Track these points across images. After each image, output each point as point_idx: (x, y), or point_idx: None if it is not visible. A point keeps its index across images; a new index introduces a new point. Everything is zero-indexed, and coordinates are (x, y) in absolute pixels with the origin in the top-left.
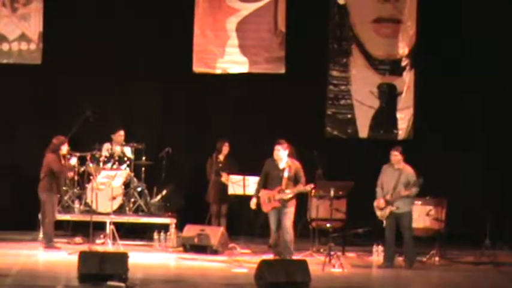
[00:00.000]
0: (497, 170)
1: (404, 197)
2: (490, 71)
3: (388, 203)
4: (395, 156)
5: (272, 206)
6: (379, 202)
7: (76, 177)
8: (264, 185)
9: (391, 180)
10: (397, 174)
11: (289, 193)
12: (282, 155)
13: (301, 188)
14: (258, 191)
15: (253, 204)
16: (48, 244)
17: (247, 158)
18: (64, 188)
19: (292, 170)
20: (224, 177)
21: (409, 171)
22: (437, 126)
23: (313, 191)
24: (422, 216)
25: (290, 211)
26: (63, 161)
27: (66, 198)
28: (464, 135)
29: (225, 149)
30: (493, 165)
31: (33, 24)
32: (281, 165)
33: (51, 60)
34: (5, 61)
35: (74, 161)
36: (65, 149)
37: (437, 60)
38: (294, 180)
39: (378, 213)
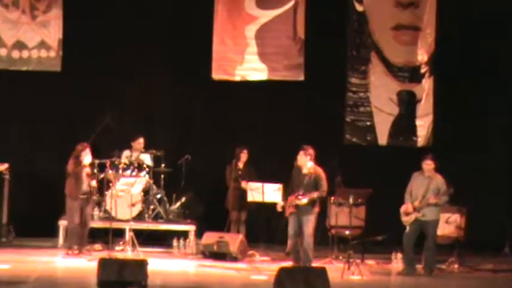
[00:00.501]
0: None
1: (432, 205)
2: (509, 76)
3: (415, 209)
4: (428, 165)
5: (289, 211)
6: (407, 207)
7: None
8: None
9: (421, 187)
10: (427, 182)
11: (302, 199)
12: (302, 161)
13: (313, 195)
14: (284, 196)
15: (279, 206)
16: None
17: (266, 165)
18: (83, 194)
19: (312, 177)
20: (243, 184)
21: (439, 179)
22: (456, 133)
23: (333, 198)
24: (442, 223)
25: (310, 219)
26: (88, 169)
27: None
28: (484, 142)
29: (244, 156)
30: None
31: (53, 32)
32: (304, 171)
33: (70, 67)
34: (24, 68)
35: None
36: (86, 155)
37: (456, 66)
38: (314, 186)
39: (404, 218)
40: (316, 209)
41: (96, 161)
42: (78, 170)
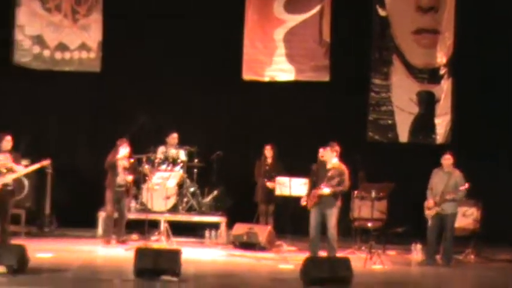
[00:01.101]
0: None
1: (450, 200)
2: None
3: (436, 204)
4: (447, 159)
5: (312, 202)
6: (428, 202)
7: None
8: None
9: (441, 182)
10: (446, 177)
11: (324, 189)
12: (327, 156)
13: (337, 188)
14: (309, 189)
15: (303, 200)
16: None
17: (293, 160)
18: (118, 187)
19: (336, 172)
20: (270, 184)
21: (457, 174)
22: (473, 131)
23: (356, 192)
24: (459, 216)
25: (333, 212)
26: (126, 162)
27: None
28: (500, 139)
29: (268, 151)
30: None
31: (93, 34)
32: (328, 166)
33: (109, 67)
34: (66, 69)
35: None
36: (123, 149)
37: (473, 68)
38: (338, 181)
39: (426, 212)
40: (338, 203)
41: (134, 156)
42: (114, 164)
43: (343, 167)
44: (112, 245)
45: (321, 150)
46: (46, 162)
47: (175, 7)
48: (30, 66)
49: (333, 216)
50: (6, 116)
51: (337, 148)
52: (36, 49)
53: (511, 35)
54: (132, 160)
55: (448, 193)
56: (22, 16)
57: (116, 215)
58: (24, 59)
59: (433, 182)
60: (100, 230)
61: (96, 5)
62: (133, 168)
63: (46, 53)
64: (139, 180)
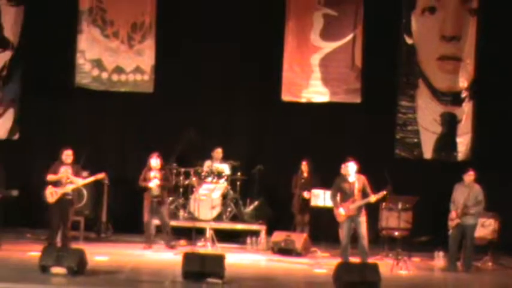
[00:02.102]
0: None
1: (471, 210)
2: None
3: (457, 215)
4: (470, 175)
5: (348, 215)
6: (451, 214)
7: (181, 189)
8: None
9: (462, 196)
10: (467, 191)
11: (360, 202)
12: (351, 170)
13: (372, 198)
14: (337, 202)
15: (339, 217)
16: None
17: (327, 175)
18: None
19: (361, 183)
20: (305, 194)
21: (477, 188)
22: (492, 149)
23: (384, 204)
24: (478, 227)
25: (363, 220)
26: (158, 174)
27: (172, 207)
28: None
29: (304, 166)
30: None
31: (147, 58)
32: (350, 179)
33: (161, 89)
34: (122, 89)
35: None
36: (153, 161)
37: (492, 92)
38: (362, 191)
39: (449, 223)
40: (365, 211)
41: (182, 169)
42: (147, 176)
43: (363, 177)
44: (153, 249)
45: (343, 165)
46: (101, 176)
47: (221, 34)
48: (90, 87)
49: (363, 224)
50: (69, 132)
51: (354, 162)
52: (96, 72)
53: None
54: (163, 171)
55: (469, 207)
56: (83, 42)
57: (158, 222)
58: (85, 81)
59: (455, 196)
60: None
61: (150, 32)
62: (165, 179)
63: (104, 75)
64: (171, 189)
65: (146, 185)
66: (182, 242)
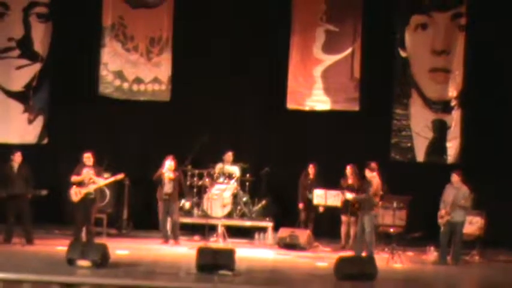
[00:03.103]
0: None
1: (460, 208)
2: None
3: (447, 213)
4: (454, 177)
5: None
6: (441, 212)
7: (195, 189)
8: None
9: (450, 196)
10: (455, 191)
11: (347, 194)
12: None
13: (361, 196)
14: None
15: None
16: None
17: (329, 176)
18: (166, 194)
19: (365, 184)
20: (310, 196)
21: (465, 189)
22: (479, 152)
23: (380, 203)
24: (466, 224)
25: (368, 219)
26: (172, 175)
27: (187, 205)
28: (500, 159)
29: (311, 169)
30: None
31: (164, 70)
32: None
33: (177, 98)
34: (141, 98)
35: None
36: (167, 163)
37: (479, 101)
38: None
39: (439, 220)
40: (373, 212)
41: (196, 171)
42: (160, 178)
43: (374, 181)
44: (169, 244)
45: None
46: (120, 176)
47: (231, 49)
48: (112, 96)
49: (368, 222)
50: (93, 137)
51: (374, 166)
52: (117, 82)
53: (510, 76)
54: (177, 173)
55: (457, 206)
56: (106, 55)
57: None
58: (107, 90)
59: (445, 195)
60: (169, 232)
61: (167, 47)
62: (178, 180)
63: (125, 85)
64: (185, 190)
65: (160, 172)
66: (196, 237)
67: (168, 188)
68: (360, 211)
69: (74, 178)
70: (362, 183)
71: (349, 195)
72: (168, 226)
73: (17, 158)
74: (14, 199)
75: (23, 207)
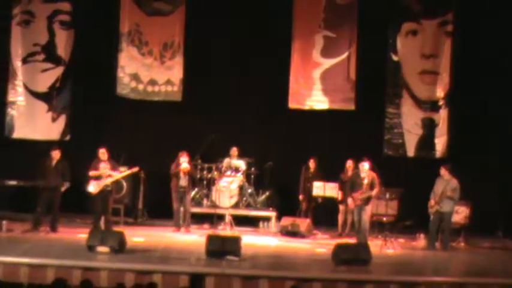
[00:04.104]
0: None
1: (448, 198)
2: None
3: (436, 203)
4: (442, 170)
5: (355, 204)
6: (431, 202)
7: (205, 182)
8: (351, 189)
9: (440, 187)
10: (445, 183)
11: (365, 195)
12: (362, 168)
13: (371, 193)
14: (350, 192)
15: (351, 203)
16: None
17: (328, 170)
18: (181, 188)
19: (369, 179)
20: (310, 187)
21: (453, 181)
22: (464, 148)
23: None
24: (453, 213)
25: (367, 209)
26: (187, 165)
27: (197, 196)
28: (485, 154)
29: (312, 163)
30: (506, 177)
31: (176, 73)
32: (362, 175)
33: (188, 98)
34: (155, 99)
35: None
36: (183, 160)
37: (465, 100)
38: (371, 186)
39: (429, 210)
40: (371, 203)
41: (206, 165)
42: (177, 171)
43: (373, 174)
44: (181, 232)
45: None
46: (135, 169)
47: (238, 54)
48: (128, 97)
49: (366, 212)
50: (110, 133)
51: (367, 162)
52: (133, 84)
53: (492, 78)
54: (189, 167)
55: (445, 195)
56: (123, 59)
57: (182, 209)
58: (124, 91)
59: (435, 187)
60: (181, 220)
61: (179, 51)
62: (190, 174)
63: (140, 86)
64: (196, 182)
65: (178, 169)
66: (205, 225)
67: (183, 181)
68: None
69: (92, 172)
70: (358, 178)
71: (350, 201)
72: (180, 216)
73: (55, 155)
74: (48, 190)
75: (55, 198)
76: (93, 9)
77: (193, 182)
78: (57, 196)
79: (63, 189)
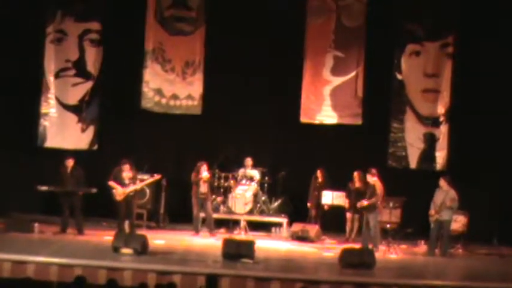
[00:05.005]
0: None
1: (448, 208)
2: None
3: (436, 212)
4: (441, 181)
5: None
6: (431, 212)
7: (222, 189)
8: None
9: (440, 197)
10: (444, 194)
11: (365, 203)
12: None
13: (372, 200)
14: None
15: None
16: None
17: (336, 179)
18: (201, 195)
19: (370, 188)
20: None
21: (452, 192)
22: (463, 161)
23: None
24: (452, 222)
25: (372, 216)
26: (207, 174)
27: (214, 203)
28: (481, 167)
29: (319, 174)
30: (501, 188)
31: (196, 88)
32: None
33: (207, 112)
34: (177, 112)
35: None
36: (204, 170)
37: (464, 117)
38: (371, 194)
39: (430, 218)
40: (377, 210)
41: (223, 174)
42: (197, 179)
43: (377, 185)
44: (200, 236)
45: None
46: (157, 177)
47: (253, 71)
48: (152, 110)
49: (372, 219)
50: (135, 144)
51: (374, 171)
52: (157, 98)
53: (489, 96)
54: (209, 175)
55: (446, 202)
56: (147, 75)
57: (203, 215)
58: (148, 105)
59: (435, 197)
60: (199, 225)
61: (199, 68)
62: (209, 182)
63: (163, 101)
64: (214, 189)
65: (200, 177)
66: (222, 230)
67: (203, 188)
68: (365, 210)
69: (112, 183)
70: (366, 187)
71: (365, 202)
72: (200, 221)
73: (69, 163)
74: (66, 195)
75: (75, 202)
76: (121, 29)
77: (212, 189)
78: (77, 201)
79: (81, 193)
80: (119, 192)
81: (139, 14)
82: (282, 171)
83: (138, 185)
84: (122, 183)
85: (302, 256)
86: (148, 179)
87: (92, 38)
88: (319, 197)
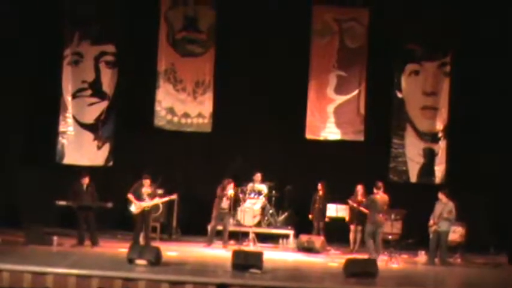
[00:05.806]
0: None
1: (446, 219)
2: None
3: (435, 223)
4: (440, 195)
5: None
6: (430, 223)
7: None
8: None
9: (438, 209)
10: (442, 206)
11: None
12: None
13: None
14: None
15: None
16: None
17: (338, 193)
18: (222, 209)
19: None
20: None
21: (451, 205)
22: (460, 175)
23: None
24: (450, 232)
25: (381, 231)
26: (232, 191)
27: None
28: (478, 179)
29: (320, 187)
30: (497, 201)
31: (207, 107)
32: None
33: (217, 129)
34: (188, 130)
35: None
36: (230, 188)
37: (461, 133)
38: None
39: (429, 229)
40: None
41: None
42: (222, 195)
43: (383, 198)
44: (211, 247)
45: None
46: (174, 197)
47: (260, 90)
48: (164, 128)
49: (381, 233)
50: (149, 160)
51: (380, 185)
52: (169, 116)
53: (485, 113)
54: (233, 193)
55: (443, 217)
56: (160, 94)
57: (220, 227)
58: (161, 123)
59: (434, 210)
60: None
61: (209, 88)
62: (231, 199)
63: (175, 119)
64: (236, 204)
65: (225, 193)
66: (232, 242)
67: (225, 204)
68: (368, 221)
69: (130, 196)
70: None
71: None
72: (214, 233)
73: (84, 180)
74: (82, 210)
75: (89, 216)
76: (135, 51)
77: (235, 206)
78: (91, 215)
79: (95, 207)
80: (136, 206)
81: (152, 36)
82: (289, 185)
83: (155, 201)
84: (140, 198)
85: (308, 266)
86: (162, 193)
87: (107, 60)
88: (319, 209)
